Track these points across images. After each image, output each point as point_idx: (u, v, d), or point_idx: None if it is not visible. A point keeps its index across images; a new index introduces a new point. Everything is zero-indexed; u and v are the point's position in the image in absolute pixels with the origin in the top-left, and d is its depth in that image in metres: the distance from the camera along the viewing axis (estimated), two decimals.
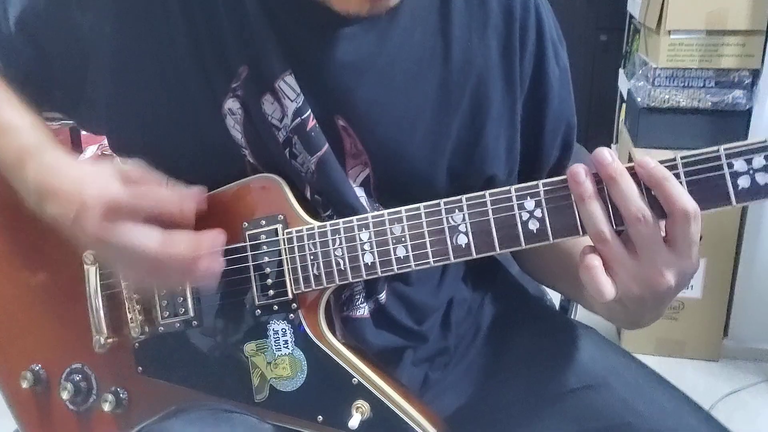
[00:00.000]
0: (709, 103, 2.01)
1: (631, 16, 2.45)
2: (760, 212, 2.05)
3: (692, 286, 2.11)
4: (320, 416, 0.72)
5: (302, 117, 0.71)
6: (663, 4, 1.96)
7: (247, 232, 0.73)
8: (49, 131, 0.77)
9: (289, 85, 0.70)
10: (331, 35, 0.70)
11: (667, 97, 2.04)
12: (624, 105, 2.41)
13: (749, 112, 2.00)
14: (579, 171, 0.61)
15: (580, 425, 0.76)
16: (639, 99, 2.08)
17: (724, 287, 2.12)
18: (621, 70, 2.55)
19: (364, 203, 0.75)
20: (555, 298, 1.08)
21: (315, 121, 0.71)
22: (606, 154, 0.60)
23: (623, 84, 2.44)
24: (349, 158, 0.75)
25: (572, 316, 1.09)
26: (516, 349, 0.86)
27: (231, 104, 0.72)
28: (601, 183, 0.61)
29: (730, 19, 1.92)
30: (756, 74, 1.97)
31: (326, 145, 0.72)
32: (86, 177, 0.67)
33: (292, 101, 0.71)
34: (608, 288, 0.61)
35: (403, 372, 0.82)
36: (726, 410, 1.92)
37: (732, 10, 1.91)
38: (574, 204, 0.62)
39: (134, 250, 0.65)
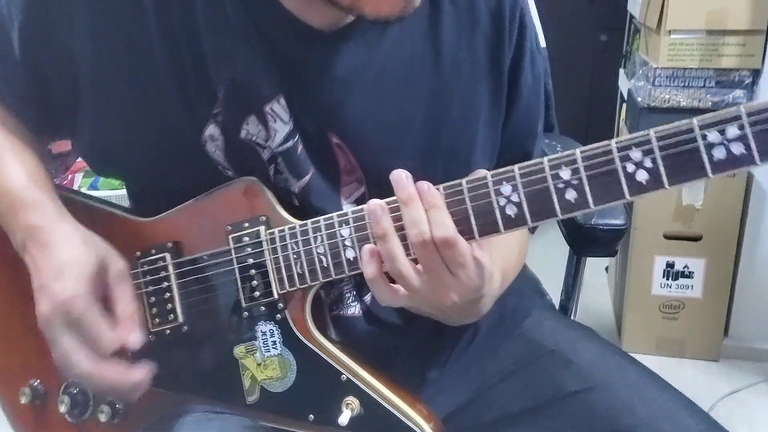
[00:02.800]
0: (710, 103, 2.01)
1: (632, 16, 2.44)
2: (760, 212, 2.04)
3: (692, 286, 2.10)
4: (311, 415, 0.72)
5: (293, 140, 0.71)
6: (663, 4, 1.96)
7: (231, 236, 0.73)
8: (48, 183, 0.77)
9: (282, 107, 0.70)
10: (322, 52, 0.70)
11: (667, 96, 2.03)
12: (624, 105, 2.41)
13: None
14: (375, 209, 0.65)
15: (579, 428, 0.76)
16: (639, 99, 2.07)
17: (725, 287, 2.11)
18: (621, 70, 2.54)
19: None
20: (555, 297, 1.07)
21: (302, 146, 0.72)
22: (402, 176, 0.64)
23: (623, 84, 2.44)
24: (344, 175, 0.75)
25: (572, 317, 1.09)
26: (514, 349, 0.85)
27: (212, 130, 0.72)
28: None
29: (730, 18, 1.92)
30: (756, 74, 1.97)
31: (311, 171, 0.72)
32: (64, 265, 0.69)
33: (285, 123, 0.71)
34: (388, 296, 0.66)
35: (399, 371, 0.81)
36: (726, 410, 1.92)
37: (732, 10, 1.91)
38: (551, 187, 0.62)
39: (67, 357, 0.68)
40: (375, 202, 0.65)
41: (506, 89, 0.79)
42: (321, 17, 0.69)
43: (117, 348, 0.68)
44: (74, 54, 0.72)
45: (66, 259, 0.69)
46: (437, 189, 0.65)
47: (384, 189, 0.74)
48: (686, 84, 2.01)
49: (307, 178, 0.72)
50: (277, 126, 0.70)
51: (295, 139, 0.71)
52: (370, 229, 0.67)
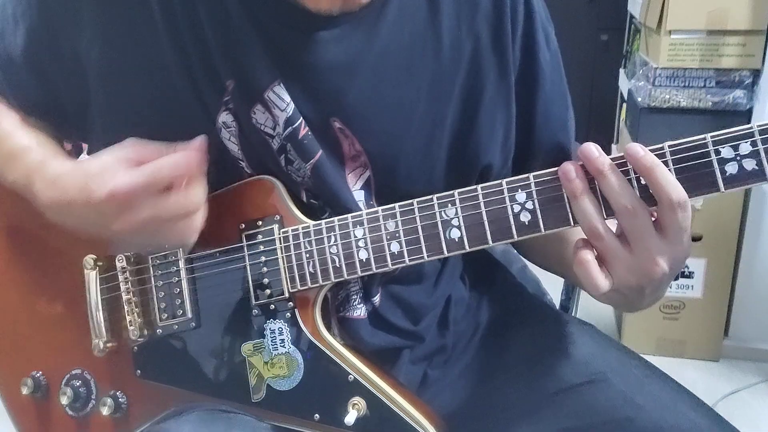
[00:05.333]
0: (710, 103, 2.01)
1: (632, 16, 2.45)
2: (760, 212, 2.05)
3: (692, 286, 2.11)
4: (317, 414, 0.72)
5: (294, 126, 0.71)
6: (663, 4, 1.96)
7: (244, 233, 0.73)
8: (57, 147, 0.77)
9: (278, 94, 0.70)
10: (319, 38, 0.70)
11: (667, 96, 2.03)
12: (624, 105, 2.41)
13: (750, 112, 2.00)
14: (569, 168, 0.64)
15: (580, 421, 0.76)
16: (639, 99, 2.07)
17: (725, 287, 2.12)
18: (621, 70, 2.54)
19: (363, 207, 0.74)
20: (555, 297, 1.07)
21: (307, 128, 0.72)
22: (592, 149, 0.63)
23: (624, 84, 2.44)
24: (349, 161, 0.75)
25: (572, 315, 1.09)
26: (515, 346, 0.86)
27: (225, 117, 0.72)
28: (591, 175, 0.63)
29: (730, 19, 1.92)
30: (756, 74, 1.97)
31: (320, 152, 0.72)
32: (90, 179, 0.65)
33: (282, 111, 0.71)
34: (602, 281, 0.64)
35: (402, 370, 0.82)
36: (726, 410, 1.91)
37: (732, 10, 1.91)
38: (565, 195, 0.64)
39: (161, 221, 0.65)
40: (567, 164, 0.64)
41: (512, 67, 0.77)
42: (314, 1, 0.69)
43: (187, 167, 0.66)
44: (82, 57, 0.72)
45: (86, 175, 0.66)
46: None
47: (389, 170, 0.74)
48: (686, 84, 2.02)
49: (316, 158, 0.72)
50: (277, 112, 0.70)
51: (298, 123, 0.71)
52: (564, 187, 0.64)
